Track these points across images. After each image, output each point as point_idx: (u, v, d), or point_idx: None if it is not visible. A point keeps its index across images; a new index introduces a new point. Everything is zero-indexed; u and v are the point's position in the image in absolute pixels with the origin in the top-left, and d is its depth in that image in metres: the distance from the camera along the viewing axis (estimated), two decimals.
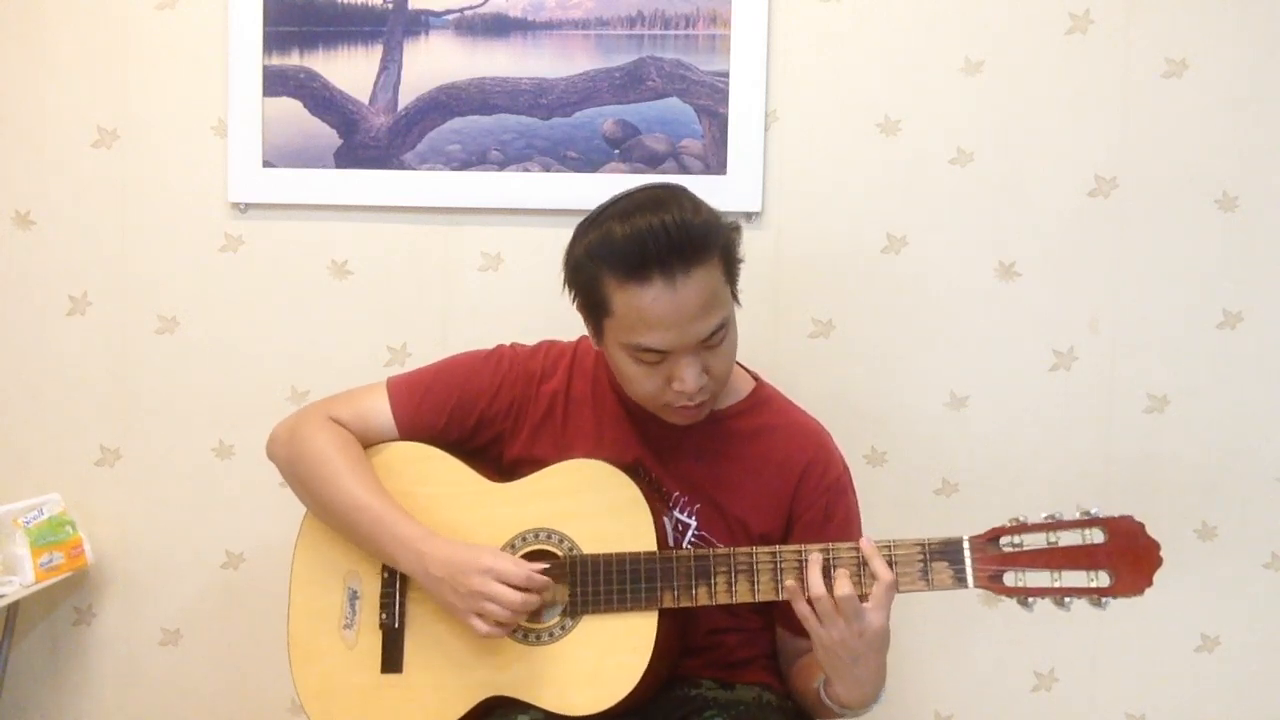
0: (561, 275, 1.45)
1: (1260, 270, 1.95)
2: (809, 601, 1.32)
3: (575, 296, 1.44)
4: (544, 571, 1.43)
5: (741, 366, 1.60)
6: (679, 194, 1.41)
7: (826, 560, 1.35)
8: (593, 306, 1.42)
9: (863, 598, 1.31)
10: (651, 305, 1.35)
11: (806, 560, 1.36)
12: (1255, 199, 1.94)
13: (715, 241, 1.38)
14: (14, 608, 2.01)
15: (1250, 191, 1.94)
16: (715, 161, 1.96)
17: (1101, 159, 1.95)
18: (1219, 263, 1.95)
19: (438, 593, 1.43)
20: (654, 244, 1.33)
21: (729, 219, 1.44)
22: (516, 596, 1.38)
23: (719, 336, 1.40)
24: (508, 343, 1.63)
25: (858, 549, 1.35)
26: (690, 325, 1.36)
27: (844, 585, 1.29)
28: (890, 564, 1.34)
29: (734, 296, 1.44)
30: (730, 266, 1.42)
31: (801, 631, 1.39)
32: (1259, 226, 1.94)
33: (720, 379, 1.44)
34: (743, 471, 1.52)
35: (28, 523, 1.95)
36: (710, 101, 1.96)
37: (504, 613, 1.38)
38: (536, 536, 1.47)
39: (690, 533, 1.51)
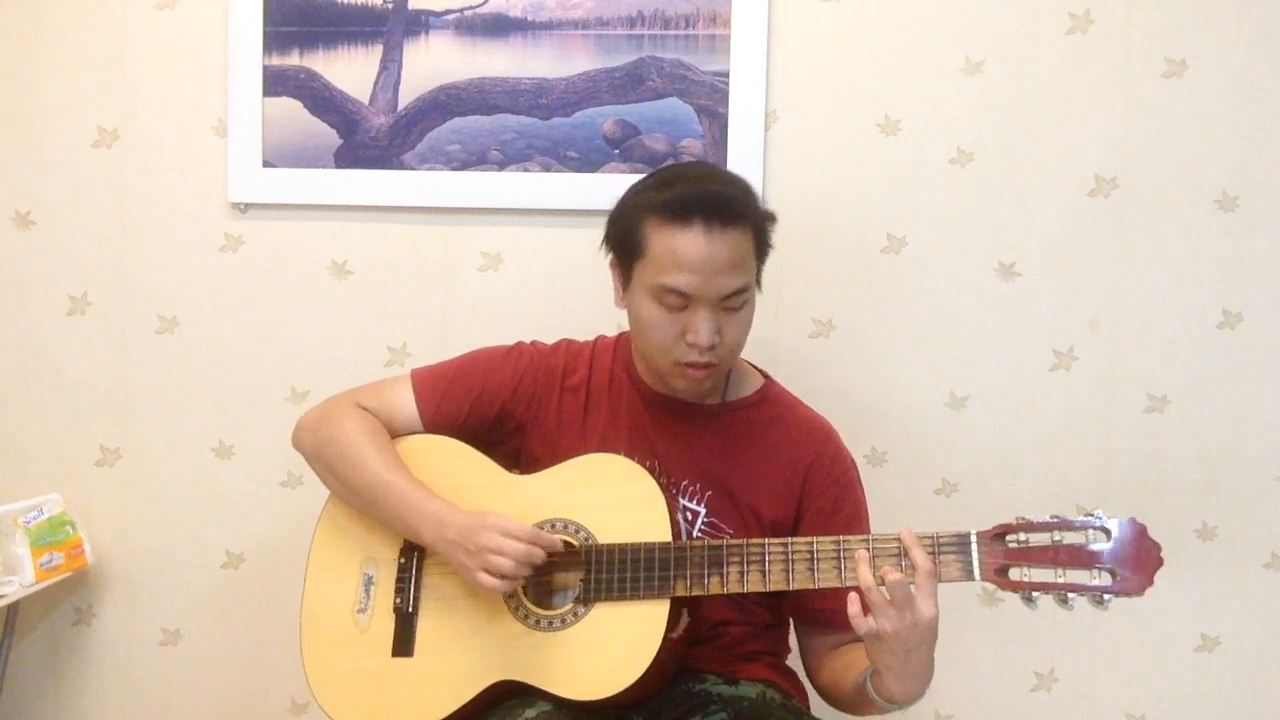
0: (602, 233, 1.54)
1: (1260, 270, 1.95)
2: (865, 593, 1.32)
3: (611, 249, 1.53)
4: (559, 557, 1.46)
5: (751, 365, 1.64)
6: (722, 169, 1.54)
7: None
8: (627, 250, 1.49)
9: None
10: (687, 246, 1.42)
11: (850, 554, 1.37)
12: (1255, 199, 1.94)
13: (752, 213, 1.48)
14: (14, 608, 2.01)
15: (1250, 191, 1.94)
16: (715, 161, 1.96)
17: (1101, 159, 1.95)
18: (1219, 263, 1.95)
19: (452, 556, 1.46)
20: (700, 196, 1.44)
21: (767, 209, 1.53)
22: (520, 546, 1.40)
23: (739, 300, 1.46)
24: (526, 340, 1.66)
25: (899, 539, 1.35)
26: (717, 277, 1.43)
27: (894, 573, 1.30)
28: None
29: (758, 280, 1.51)
30: (760, 244, 1.49)
31: (825, 624, 1.39)
32: (1259, 226, 1.94)
33: (730, 348, 1.49)
34: (753, 461, 1.55)
35: (28, 523, 1.95)
36: (710, 101, 1.96)
37: (508, 563, 1.40)
38: (554, 527, 1.49)
39: (700, 520, 1.54)
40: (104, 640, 2.11)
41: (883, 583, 1.30)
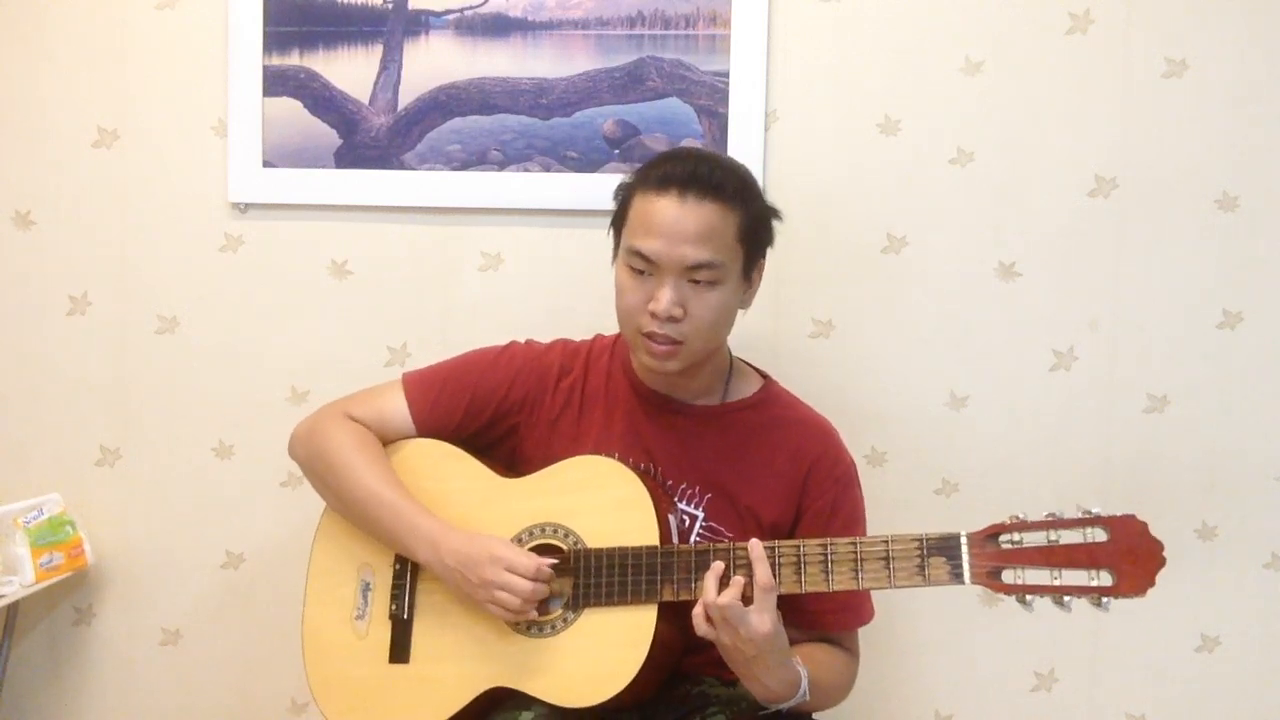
0: (602, 233, 1.57)
1: (1260, 270, 1.95)
2: (704, 607, 1.33)
3: (611, 226, 1.56)
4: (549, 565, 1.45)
5: (751, 366, 1.64)
6: (727, 156, 1.58)
7: (727, 565, 1.36)
8: (617, 222, 1.53)
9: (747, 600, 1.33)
10: (657, 211, 1.45)
11: (696, 567, 1.39)
12: (1255, 199, 1.94)
13: (739, 196, 1.47)
14: (14, 608, 2.01)
15: (1250, 191, 1.94)
16: None
17: (1101, 159, 1.95)
18: (1219, 263, 1.95)
19: (452, 582, 1.46)
20: (683, 169, 1.46)
21: (770, 204, 1.54)
22: (527, 585, 1.42)
23: (705, 274, 1.45)
24: (521, 340, 1.66)
25: (746, 551, 1.36)
26: (681, 244, 1.43)
27: (726, 594, 1.32)
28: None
29: (747, 273, 1.50)
30: (749, 231, 1.48)
31: (797, 624, 1.40)
32: (1259, 226, 1.94)
33: (697, 327, 1.47)
34: (753, 462, 1.54)
35: (28, 523, 1.94)
36: (710, 101, 1.96)
37: (515, 600, 1.42)
38: (543, 531, 1.49)
39: (699, 525, 1.53)
40: (104, 640, 2.11)
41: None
